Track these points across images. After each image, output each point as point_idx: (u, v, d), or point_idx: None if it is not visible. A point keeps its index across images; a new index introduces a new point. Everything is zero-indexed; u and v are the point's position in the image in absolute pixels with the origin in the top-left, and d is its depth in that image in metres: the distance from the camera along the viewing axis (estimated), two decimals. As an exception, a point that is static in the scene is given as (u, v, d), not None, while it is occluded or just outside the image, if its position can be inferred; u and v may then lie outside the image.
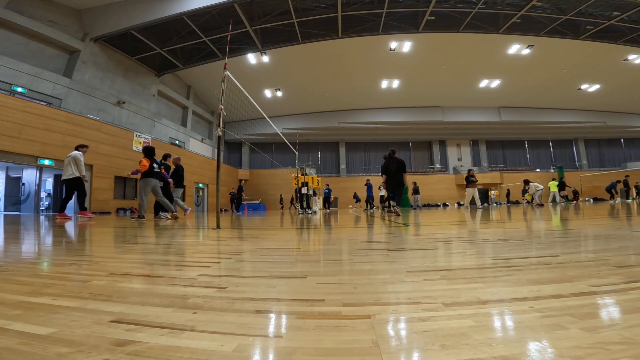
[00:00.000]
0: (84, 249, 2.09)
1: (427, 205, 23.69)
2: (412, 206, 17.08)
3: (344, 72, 20.42)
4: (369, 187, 16.51)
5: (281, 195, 24.23)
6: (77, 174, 6.77)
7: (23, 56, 11.84)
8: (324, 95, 23.47)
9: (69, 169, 6.72)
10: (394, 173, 6.57)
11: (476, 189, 11.90)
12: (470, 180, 11.94)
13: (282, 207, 24.01)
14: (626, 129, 28.00)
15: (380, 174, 6.90)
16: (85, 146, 7.29)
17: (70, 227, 4.26)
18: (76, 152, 6.94)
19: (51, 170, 11.96)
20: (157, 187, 6.43)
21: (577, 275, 1.05)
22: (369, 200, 16.82)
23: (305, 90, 22.64)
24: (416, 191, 16.79)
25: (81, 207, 7.21)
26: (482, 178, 26.06)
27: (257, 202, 23.60)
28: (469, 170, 12.37)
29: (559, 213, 5.98)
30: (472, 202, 12.33)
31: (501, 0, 14.31)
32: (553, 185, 16.64)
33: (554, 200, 16.15)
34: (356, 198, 22.17)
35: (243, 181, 14.32)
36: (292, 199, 22.64)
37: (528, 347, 0.54)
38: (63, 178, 6.80)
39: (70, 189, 6.78)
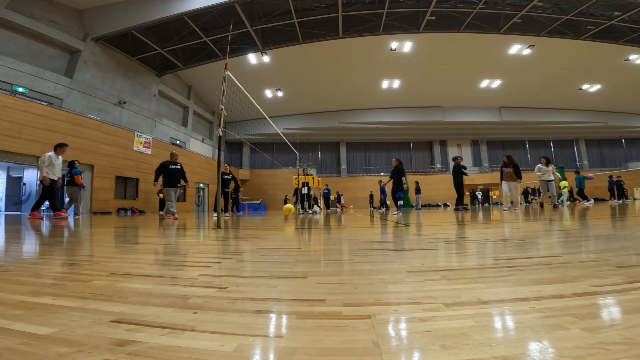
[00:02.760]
0: (85, 249, 2.09)
1: (428, 206, 23.67)
2: (413, 206, 17.06)
3: (344, 72, 20.41)
4: (382, 188, 16.24)
5: (286, 196, 23.90)
6: (52, 176, 6.79)
7: (24, 56, 11.85)
8: (324, 95, 23.46)
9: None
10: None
11: (516, 183, 8.37)
12: (502, 171, 8.58)
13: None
14: (627, 129, 27.96)
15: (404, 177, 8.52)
16: (61, 145, 7.05)
17: (70, 227, 4.27)
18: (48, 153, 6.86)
19: (52, 170, 11.96)
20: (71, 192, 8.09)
21: (578, 275, 1.05)
22: (383, 201, 16.64)
23: (306, 90, 22.64)
24: (418, 191, 16.77)
25: (53, 208, 7.05)
26: (483, 178, 26.07)
27: (258, 202, 23.59)
28: (503, 157, 8.83)
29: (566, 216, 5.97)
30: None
31: (502, 0, 14.30)
32: (563, 184, 16.64)
33: (567, 200, 16.13)
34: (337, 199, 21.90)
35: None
36: (285, 200, 22.45)
37: (529, 347, 0.53)
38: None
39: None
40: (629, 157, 29.36)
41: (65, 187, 8.10)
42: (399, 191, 8.20)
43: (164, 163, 7.28)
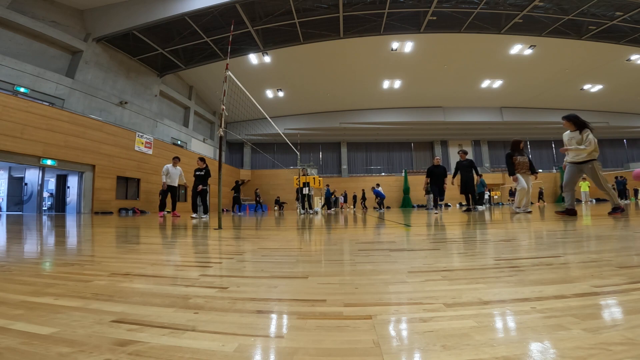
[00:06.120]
0: (86, 249, 2.10)
1: (423, 206, 23.58)
2: (414, 206, 17.05)
3: (345, 73, 20.42)
4: (377, 192, 16.32)
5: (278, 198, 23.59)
6: (171, 183, 8.40)
7: (26, 56, 11.89)
8: (325, 95, 23.47)
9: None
10: (439, 176, 8.10)
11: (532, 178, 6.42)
12: (518, 161, 6.28)
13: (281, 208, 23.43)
14: (629, 130, 27.91)
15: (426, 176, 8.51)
16: (175, 158, 8.79)
17: (80, 227, 4.28)
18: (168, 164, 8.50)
19: (53, 171, 12.00)
20: None
21: (580, 275, 1.04)
22: (381, 202, 16.62)
23: (307, 90, 22.65)
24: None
25: (173, 208, 8.77)
26: (484, 178, 26.04)
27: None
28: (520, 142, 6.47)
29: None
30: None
31: (503, 0, 14.28)
32: (584, 186, 16.61)
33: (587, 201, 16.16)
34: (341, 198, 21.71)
35: (241, 181, 14.07)
36: (276, 201, 22.02)
37: (530, 348, 0.53)
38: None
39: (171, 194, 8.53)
40: (630, 157, 29.29)
41: None
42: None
43: None
